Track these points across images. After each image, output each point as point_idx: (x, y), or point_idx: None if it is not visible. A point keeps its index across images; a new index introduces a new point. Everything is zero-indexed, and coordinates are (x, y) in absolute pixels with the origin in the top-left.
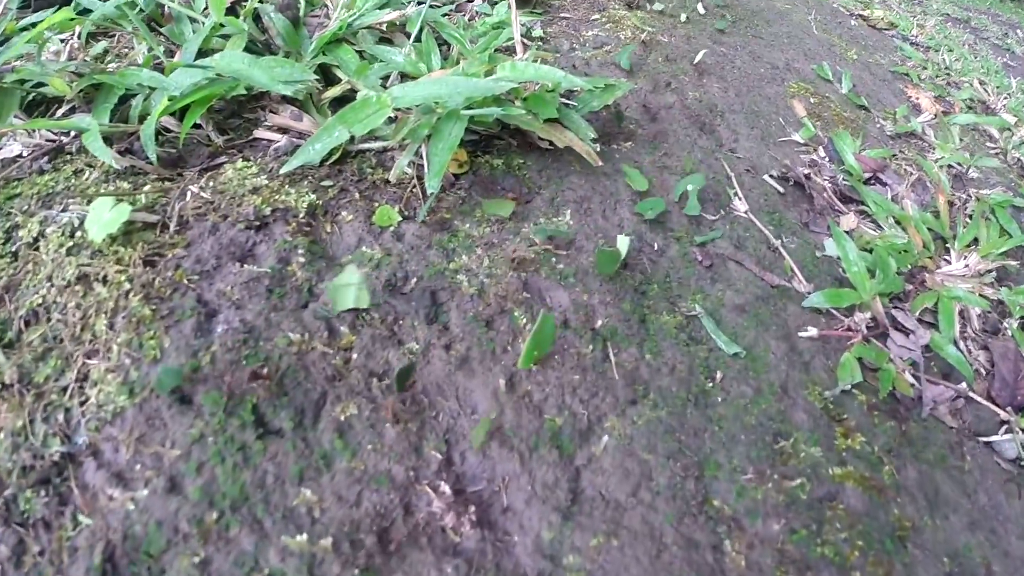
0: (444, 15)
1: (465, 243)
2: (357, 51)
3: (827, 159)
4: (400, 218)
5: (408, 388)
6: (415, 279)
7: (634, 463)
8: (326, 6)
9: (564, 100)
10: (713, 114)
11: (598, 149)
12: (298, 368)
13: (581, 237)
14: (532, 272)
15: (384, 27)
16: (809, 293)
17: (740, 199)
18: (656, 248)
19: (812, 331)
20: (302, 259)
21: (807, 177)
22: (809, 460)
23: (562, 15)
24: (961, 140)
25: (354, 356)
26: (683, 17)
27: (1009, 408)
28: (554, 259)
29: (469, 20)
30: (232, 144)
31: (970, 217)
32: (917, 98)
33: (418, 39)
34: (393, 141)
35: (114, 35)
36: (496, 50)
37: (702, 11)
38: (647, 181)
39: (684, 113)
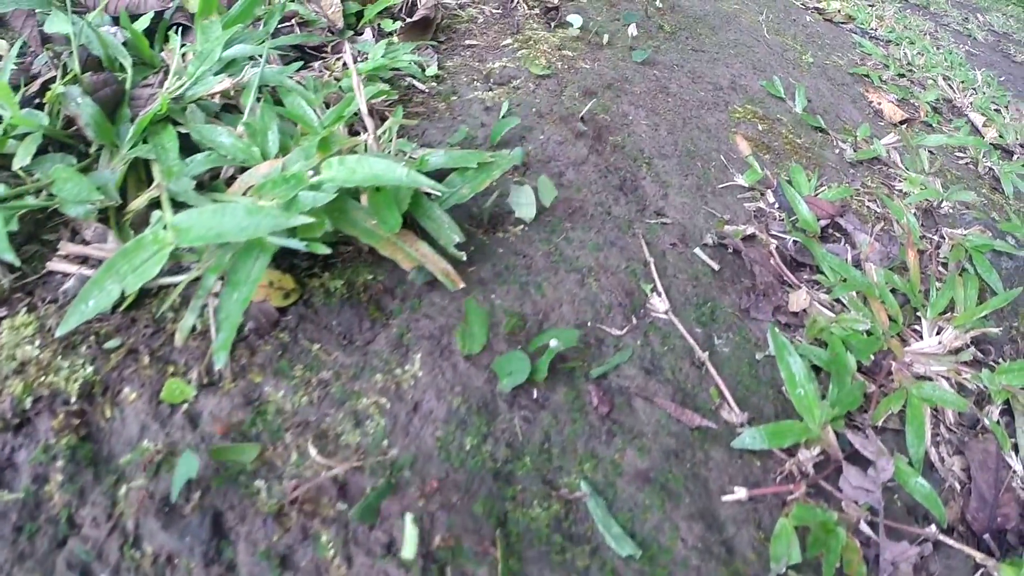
0: (300, 68)
1: (274, 425)
2: (182, 133)
3: (777, 206)
4: (195, 390)
5: None
6: (199, 493)
7: None
8: (164, 70)
9: (434, 180)
10: (637, 163)
11: (465, 256)
12: None
13: (431, 395)
14: (353, 470)
15: (217, 97)
16: (742, 426)
17: (660, 295)
18: (535, 397)
19: (740, 492)
20: (63, 474)
21: (750, 239)
22: None
23: (467, 42)
24: (931, 162)
25: None
26: (605, 39)
27: (987, 536)
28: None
29: (341, 67)
30: (23, 282)
31: (944, 266)
32: (879, 103)
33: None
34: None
35: None
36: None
37: (633, 32)
38: (492, 329)
39: (600, 168)
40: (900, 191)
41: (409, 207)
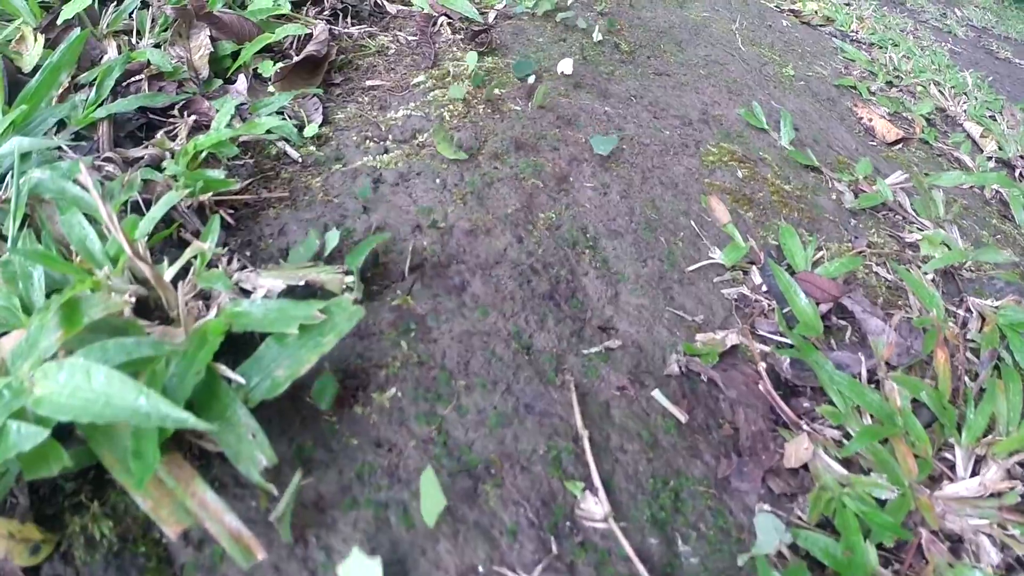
0: (95, 163)
1: None
2: None
3: (765, 289)
4: None
5: None
6: None
7: None
8: None
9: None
10: (578, 250)
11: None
12: None
13: None
14: None
15: None
16: None
17: (595, 493)
18: None
19: None
20: None
21: (730, 354)
22: None
23: (368, 82)
24: (946, 206)
25: None
26: (538, 73)
27: None
28: None
29: (188, 134)
30: None
31: (975, 353)
32: (870, 120)
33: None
34: None
35: None
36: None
37: (567, 68)
38: None
39: (522, 269)
40: (912, 246)
41: (198, 401)
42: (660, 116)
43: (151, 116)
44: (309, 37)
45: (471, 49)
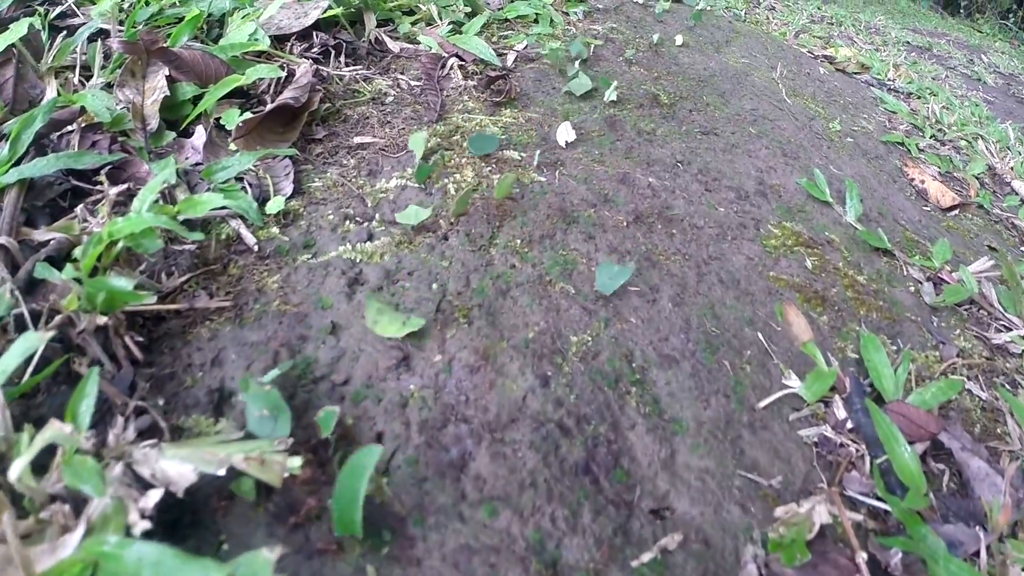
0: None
1: None
2: None
3: (851, 427)
4: None
5: None
6: None
7: None
8: None
9: None
10: (621, 389)
11: None
12: None
13: None
14: None
15: None
16: None
17: None
18: None
19: None
20: None
21: (819, 542)
22: None
23: (357, 139)
24: None
25: None
26: (569, 131)
27: None
28: None
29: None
30: None
31: None
32: (922, 181)
33: None
34: None
35: None
36: None
37: (568, 136)
38: None
39: (547, 428)
40: (1001, 349)
41: None
42: (712, 188)
43: (76, 182)
44: (291, 78)
45: (486, 98)
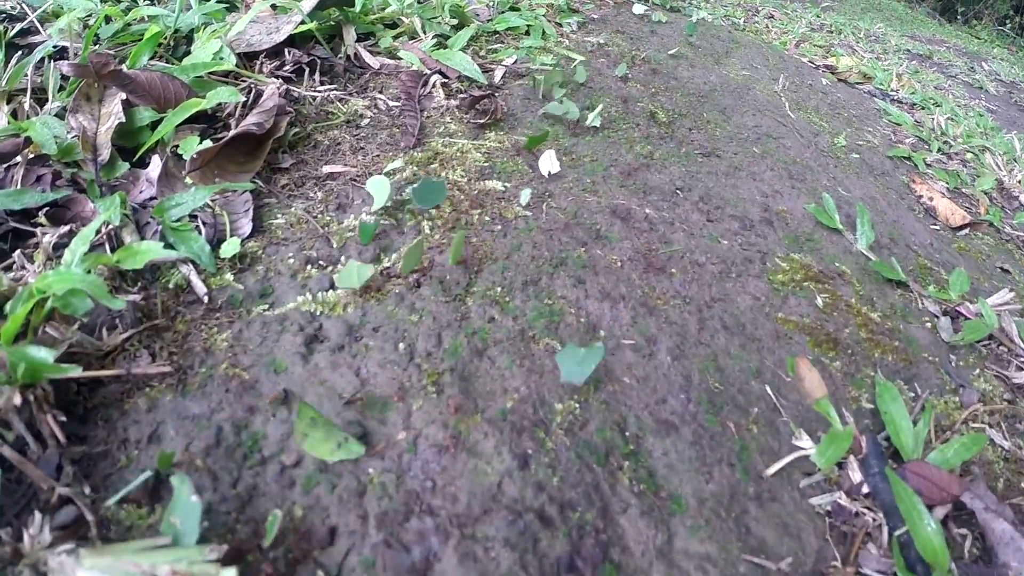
0: None
1: None
2: None
3: (867, 491)
4: None
5: None
6: None
7: None
8: None
9: None
10: (613, 464)
11: None
12: None
13: None
14: None
15: None
16: None
17: None
18: None
19: None
20: None
21: None
22: None
23: (327, 168)
24: None
25: None
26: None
27: None
28: None
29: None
30: None
31: None
32: (930, 198)
33: None
34: None
35: None
36: None
37: (553, 166)
38: None
39: (518, 523)
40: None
41: None
42: (715, 217)
43: (16, 224)
44: (257, 100)
45: (469, 120)
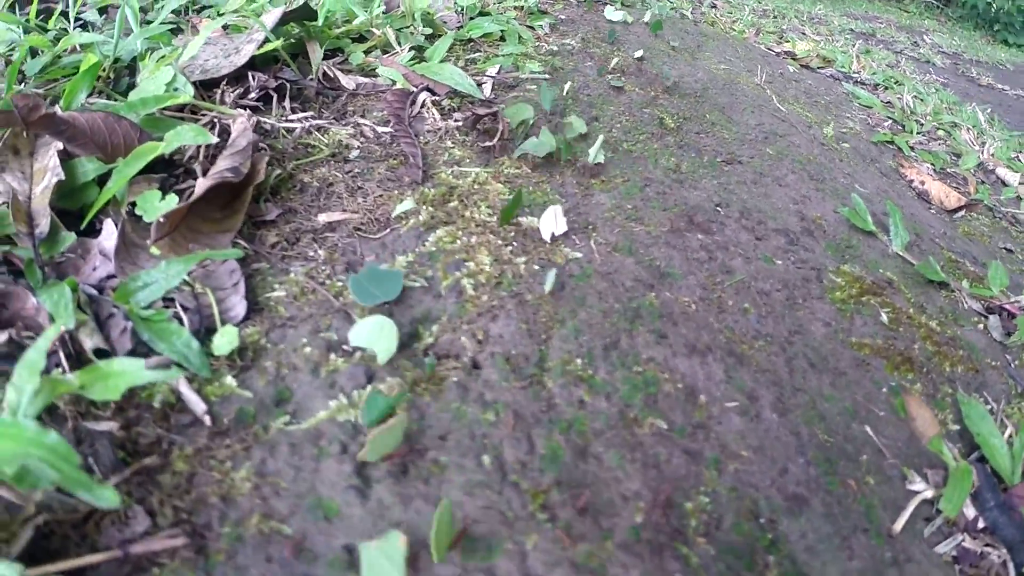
0: None
1: None
2: None
3: (982, 526)
4: None
5: None
6: None
7: None
8: None
9: None
10: (758, 567)
11: None
12: None
13: None
14: None
15: None
16: None
17: None
18: None
19: None
20: None
21: None
22: None
23: (323, 217)
24: None
25: None
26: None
27: None
28: None
29: None
30: None
31: None
32: (923, 183)
33: None
34: None
35: None
36: None
37: (559, 226)
38: None
39: None
40: None
41: None
42: (761, 235)
43: None
44: (225, 139)
45: (473, 142)
